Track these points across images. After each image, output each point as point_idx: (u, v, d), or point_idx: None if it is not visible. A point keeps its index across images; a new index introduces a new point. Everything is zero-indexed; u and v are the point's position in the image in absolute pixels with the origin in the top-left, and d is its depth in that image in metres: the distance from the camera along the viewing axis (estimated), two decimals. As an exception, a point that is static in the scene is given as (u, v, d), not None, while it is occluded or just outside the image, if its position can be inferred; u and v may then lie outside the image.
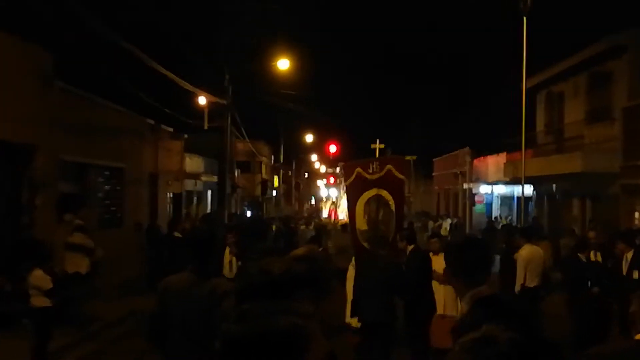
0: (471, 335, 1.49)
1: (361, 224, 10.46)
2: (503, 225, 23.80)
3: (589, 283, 10.64)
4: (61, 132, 15.40)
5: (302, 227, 28.05)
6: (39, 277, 9.07)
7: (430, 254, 10.06)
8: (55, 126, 15.02)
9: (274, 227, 22.58)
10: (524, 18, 18.91)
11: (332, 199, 70.54)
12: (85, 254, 12.77)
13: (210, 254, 4.68)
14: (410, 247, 9.80)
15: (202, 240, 4.83)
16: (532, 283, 10.94)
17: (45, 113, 14.66)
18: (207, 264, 4.63)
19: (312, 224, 29.26)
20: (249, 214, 42.96)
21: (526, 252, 11.10)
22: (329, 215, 50.38)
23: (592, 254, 11.31)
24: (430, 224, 32.14)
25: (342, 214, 46.01)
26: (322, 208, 63.11)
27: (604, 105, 21.56)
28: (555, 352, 1.49)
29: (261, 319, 1.70)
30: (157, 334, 4.64)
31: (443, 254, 10.03)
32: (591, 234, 12.83)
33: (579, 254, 11.09)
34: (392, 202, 10.39)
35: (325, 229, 23.26)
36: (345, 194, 11.72)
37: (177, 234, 14.91)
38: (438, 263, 9.83)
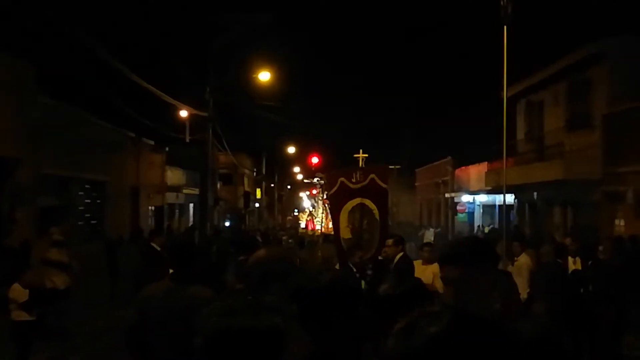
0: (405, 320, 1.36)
1: (345, 232, 10.45)
2: (488, 232, 23.80)
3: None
4: (42, 146, 15.29)
5: (284, 237, 27.95)
6: (15, 290, 9.08)
7: (420, 262, 9.92)
8: (36, 140, 14.91)
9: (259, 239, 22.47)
10: (504, 27, 18.98)
11: (309, 209, 70.57)
12: (61, 269, 12.63)
13: (189, 262, 4.63)
14: (400, 255, 9.63)
15: (181, 248, 4.79)
16: (524, 292, 10.93)
17: (26, 127, 14.55)
18: (186, 271, 4.58)
19: (288, 235, 29.20)
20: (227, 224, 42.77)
21: (527, 260, 11.09)
22: (306, 226, 50.38)
23: (571, 260, 11.31)
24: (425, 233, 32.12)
25: (319, 225, 46.05)
26: (300, 219, 63.18)
27: (584, 112, 21.70)
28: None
29: (244, 315, 1.69)
30: (137, 345, 4.58)
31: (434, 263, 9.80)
32: (567, 240, 12.80)
33: (558, 260, 11.07)
34: (376, 211, 10.38)
35: (303, 240, 23.19)
36: (326, 204, 11.73)
37: (155, 246, 14.80)
38: (427, 272, 9.61)
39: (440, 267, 3.05)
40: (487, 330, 1.29)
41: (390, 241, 9.74)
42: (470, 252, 2.87)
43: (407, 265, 9.33)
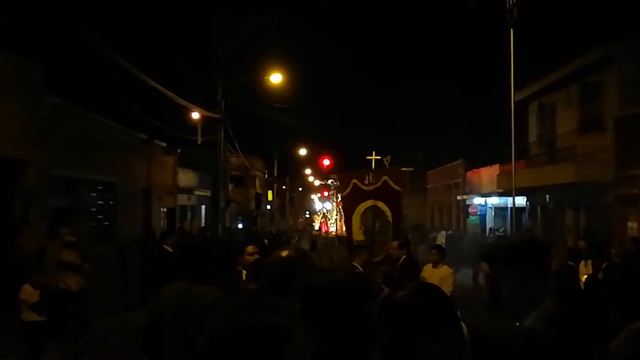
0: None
1: (357, 234, 10.43)
2: (498, 237, 23.75)
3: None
4: (52, 147, 15.33)
5: (294, 240, 27.99)
6: (26, 291, 9.13)
7: (430, 265, 9.89)
8: (47, 141, 14.95)
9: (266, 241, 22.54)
10: (511, 30, 18.92)
11: (322, 212, 70.71)
12: (74, 271, 12.67)
13: (203, 262, 4.63)
14: (404, 257, 9.62)
15: (195, 248, 4.78)
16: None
17: (36, 128, 14.60)
18: (201, 272, 4.57)
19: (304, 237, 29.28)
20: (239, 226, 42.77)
21: None
22: (320, 228, 50.50)
23: (582, 263, 11.26)
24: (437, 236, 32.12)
25: (333, 227, 46.19)
26: (314, 221, 63.33)
27: (596, 115, 21.59)
28: None
29: (247, 315, 1.69)
30: (151, 346, 4.58)
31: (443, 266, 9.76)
32: (581, 244, 12.76)
33: (569, 262, 11.01)
34: (388, 213, 10.36)
35: (315, 242, 23.21)
36: (340, 206, 11.74)
37: (167, 248, 14.85)
38: (434, 275, 9.55)
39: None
40: None
41: (395, 243, 9.74)
42: (508, 255, 2.79)
43: (410, 268, 9.33)
